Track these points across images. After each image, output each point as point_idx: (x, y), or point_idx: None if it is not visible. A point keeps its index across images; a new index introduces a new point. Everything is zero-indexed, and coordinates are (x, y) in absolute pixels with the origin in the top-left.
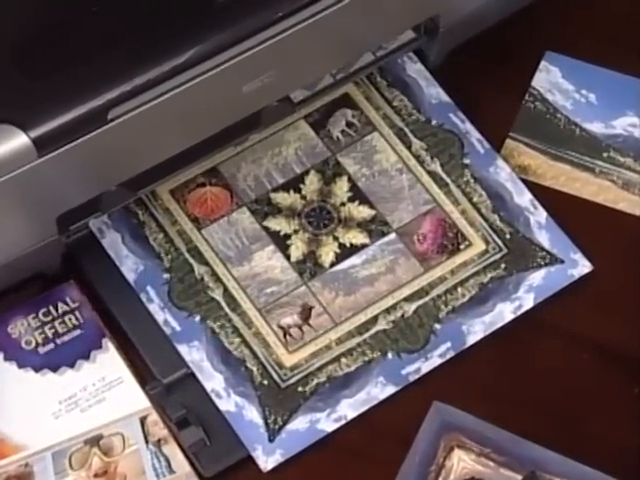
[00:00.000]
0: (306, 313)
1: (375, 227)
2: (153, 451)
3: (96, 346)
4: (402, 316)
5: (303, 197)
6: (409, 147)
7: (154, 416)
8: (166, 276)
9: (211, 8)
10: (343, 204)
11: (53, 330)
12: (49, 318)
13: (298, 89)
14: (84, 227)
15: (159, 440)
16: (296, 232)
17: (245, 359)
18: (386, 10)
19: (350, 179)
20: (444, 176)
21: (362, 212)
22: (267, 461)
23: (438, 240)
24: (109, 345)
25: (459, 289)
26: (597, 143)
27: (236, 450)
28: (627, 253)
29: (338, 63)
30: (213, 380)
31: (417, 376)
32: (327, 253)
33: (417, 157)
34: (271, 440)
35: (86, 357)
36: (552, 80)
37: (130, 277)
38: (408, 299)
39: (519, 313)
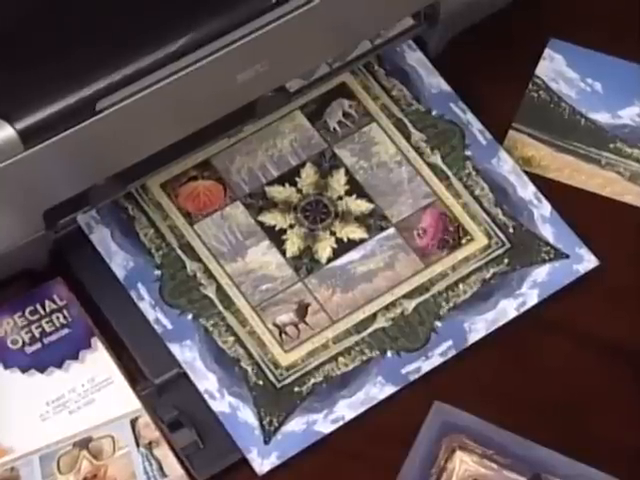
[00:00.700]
0: (302, 311)
1: (373, 221)
2: (144, 454)
3: (85, 345)
4: (402, 313)
5: (299, 191)
6: (408, 138)
7: (145, 418)
8: (157, 273)
9: None
10: (340, 198)
11: (40, 329)
12: (36, 317)
13: (294, 78)
14: (72, 222)
15: (150, 443)
16: (292, 227)
17: (239, 358)
18: None
19: (347, 172)
20: (445, 168)
21: (360, 206)
22: (262, 464)
23: (439, 235)
24: (98, 344)
25: (461, 285)
26: (603, 134)
27: (230, 453)
28: (634, 247)
29: (335, 51)
30: (206, 380)
31: (417, 375)
32: (324, 248)
33: (417, 149)
34: (266, 442)
35: (74, 357)
36: (556, 68)
37: (120, 274)
38: (408, 296)
39: (523, 310)
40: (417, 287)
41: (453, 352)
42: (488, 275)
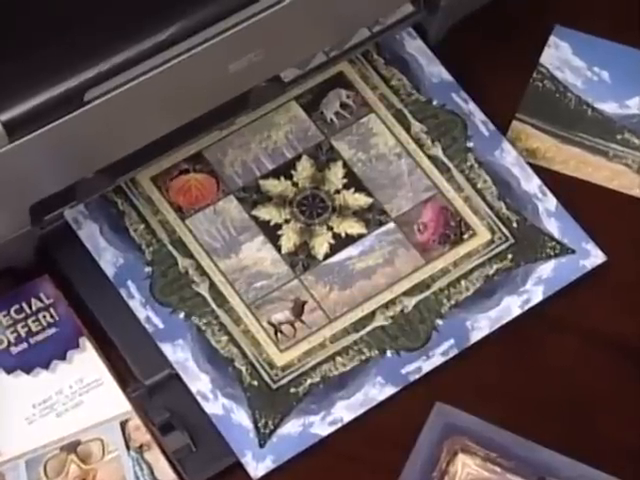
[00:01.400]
0: (298, 309)
1: (372, 216)
2: (135, 458)
3: (73, 345)
4: (402, 311)
5: (294, 184)
6: (408, 130)
7: (136, 420)
8: (148, 270)
9: None
10: (338, 191)
11: (26, 329)
12: (22, 316)
13: (288, 68)
14: (59, 217)
15: (141, 446)
16: (287, 222)
17: (233, 358)
18: None
19: (345, 164)
20: (446, 161)
21: (358, 200)
22: (257, 468)
23: (440, 229)
24: (87, 344)
25: (463, 282)
26: (610, 124)
27: (224, 456)
28: None
29: (331, 39)
30: (199, 381)
31: (418, 376)
32: (321, 244)
33: (417, 140)
34: (261, 445)
35: (62, 357)
36: (562, 57)
37: (109, 271)
38: (408, 293)
39: (527, 307)
40: (417, 284)
41: (455, 351)
42: (491, 271)
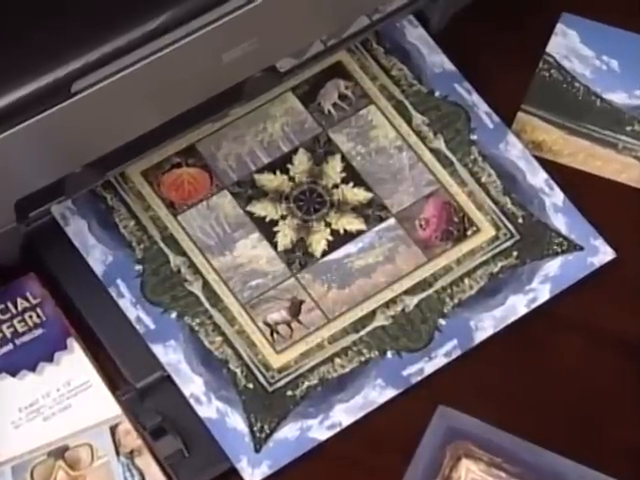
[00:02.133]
0: (295, 308)
1: (372, 212)
2: (125, 464)
3: (60, 347)
4: (403, 311)
5: (291, 179)
6: (409, 122)
7: (126, 425)
8: (138, 268)
9: None
10: (336, 186)
11: (12, 329)
12: (7, 316)
13: (284, 57)
14: (45, 213)
15: (132, 451)
16: (284, 218)
17: (227, 360)
18: None
19: (344, 158)
20: (449, 154)
21: (357, 195)
22: (253, 474)
23: (442, 226)
24: (75, 345)
25: (466, 280)
26: (620, 115)
27: (218, 462)
28: None
29: (329, 28)
30: (192, 384)
31: (420, 377)
32: (318, 241)
33: (418, 133)
34: (257, 450)
35: (49, 359)
36: (569, 45)
37: (98, 269)
38: (409, 292)
39: (533, 307)
40: (419, 282)
41: (458, 352)
42: (496, 269)
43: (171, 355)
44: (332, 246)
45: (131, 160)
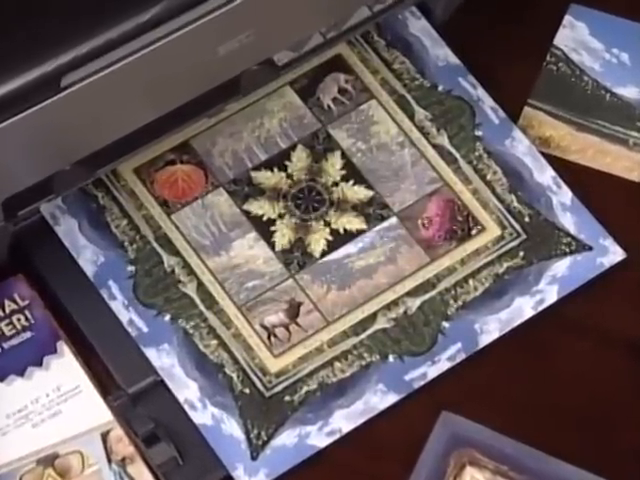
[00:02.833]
0: (294, 310)
1: (373, 210)
2: (117, 472)
3: (50, 351)
4: (405, 313)
5: (289, 176)
6: (412, 117)
7: (118, 431)
8: (130, 269)
9: None
10: (335, 184)
11: None
12: None
13: (282, 50)
14: (34, 212)
15: (124, 459)
16: (281, 217)
17: (223, 364)
18: None
19: (343, 155)
20: (453, 150)
21: (358, 193)
22: None
23: (446, 225)
24: (65, 349)
25: (471, 281)
26: (631, 110)
27: (213, 470)
28: None
29: (329, 19)
30: (186, 389)
31: (422, 382)
32: (317, 241)
33: (421, 129)
34: (254, 458)
35: (38, 363)
36: (578, 38)
37: (89, 270)
38: (412, 293)
39: (540, 309)
40: (422, 284)
41: (462, 356)
42: (501, 270)
43: (165, 359)
44: (332, 246)
45: (123, 157)
